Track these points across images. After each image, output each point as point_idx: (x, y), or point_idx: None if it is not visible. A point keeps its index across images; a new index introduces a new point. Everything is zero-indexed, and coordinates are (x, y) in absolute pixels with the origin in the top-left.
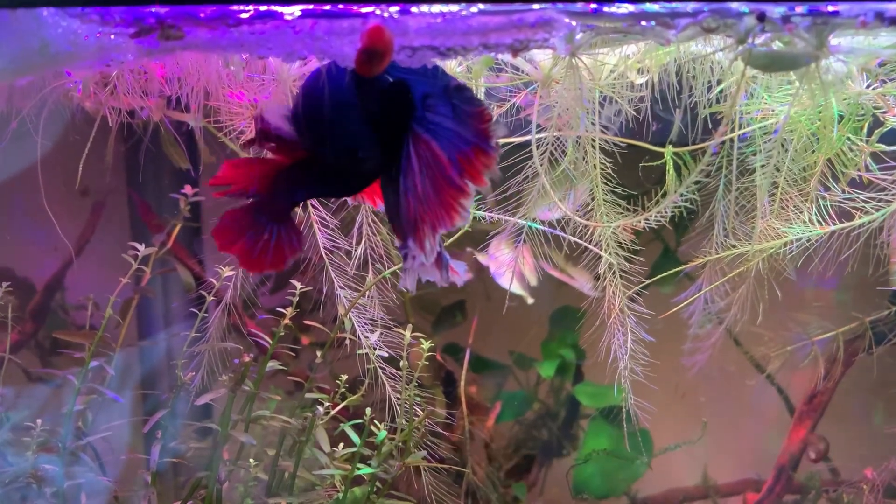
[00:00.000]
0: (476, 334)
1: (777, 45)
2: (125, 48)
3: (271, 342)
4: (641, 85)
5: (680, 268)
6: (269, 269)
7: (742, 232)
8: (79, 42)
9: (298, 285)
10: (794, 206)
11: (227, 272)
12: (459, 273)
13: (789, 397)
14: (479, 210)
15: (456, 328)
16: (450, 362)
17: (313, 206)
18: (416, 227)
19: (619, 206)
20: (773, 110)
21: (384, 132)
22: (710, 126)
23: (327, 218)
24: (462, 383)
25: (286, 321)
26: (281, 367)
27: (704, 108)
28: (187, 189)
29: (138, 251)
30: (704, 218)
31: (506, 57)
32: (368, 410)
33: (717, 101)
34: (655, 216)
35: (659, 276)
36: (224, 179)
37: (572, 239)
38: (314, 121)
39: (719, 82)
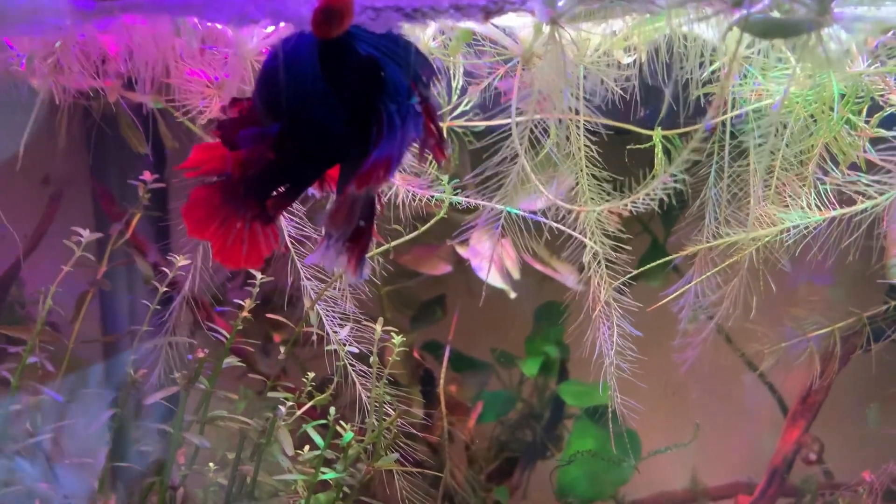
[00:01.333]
0: (457, 331)
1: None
2: (62, 11)
3: (229, 338)
4: (629, 65)
5: (668, 258)
6: (246, 265)
7: (735, 221)
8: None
9: (259, 276)
10: (791, 192)
11: (181, 261)
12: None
13: (782, 396)
14: (456, 195)
15: (435, 324)
16: (429, 360)
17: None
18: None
19: (605, 191)
20: (767, 91)
21: (353, 111)
22: (704, 107)
23: (293, 204)
24: (441, 382)
25: (244, 314)
26: (240, 364)
27: (696, 88)
28: (146, 175)
29: (82, 238)
30: (695, 207)
31: (484, 29)
32: (333, 410)
33: (709, 83)
34: (644, 200)
35: (646, 268)
36: (194, 164)
37: (555, 226)
38: (277, 100)
39: (711, 62)
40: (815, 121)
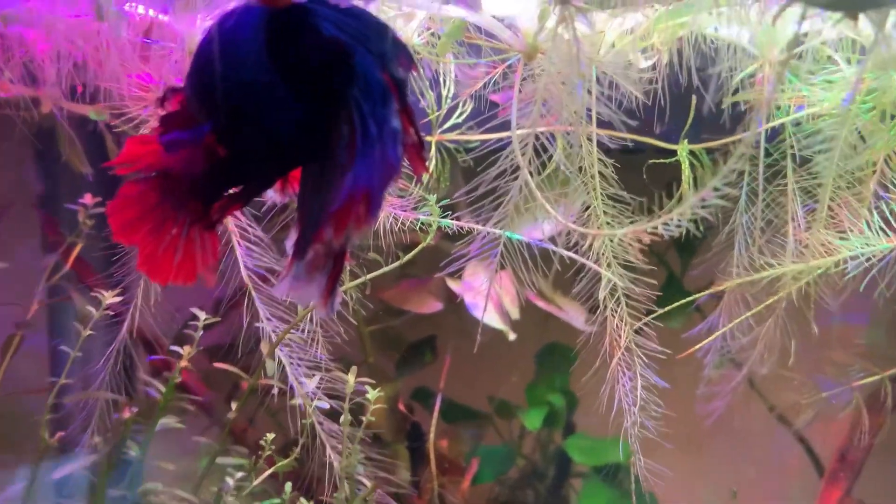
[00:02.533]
0: (449, 377)
1: None
2: None
3: (164, 391)
4: (647, 69)
5: (695, 296)
6: (176, 280)
7: (771, 251)
8: None
9: (202, 315)
10: (848, 215)
11: (109, 297)
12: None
13: (818, 453)
14: (445, 217)
15: (425, 369)
16: (417, 410)
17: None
18: (325, 217)
19: (623, 214)
20: (810, 100)
21: (311, 108)
22: (736, 118)
23: (250, 230)
24: (431, 437)
25: (184, 363)
26: (178, 425)
27: (726, 96)
28: (87, 199)
29: None
30: (722, 235)
31: (479, 19)
32: (288, 487)
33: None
34: (667, 225)
35: (670, 308)
36: (128, 158)
37: (566, 255)
38: (211, 92)
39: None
40: (864, 133)
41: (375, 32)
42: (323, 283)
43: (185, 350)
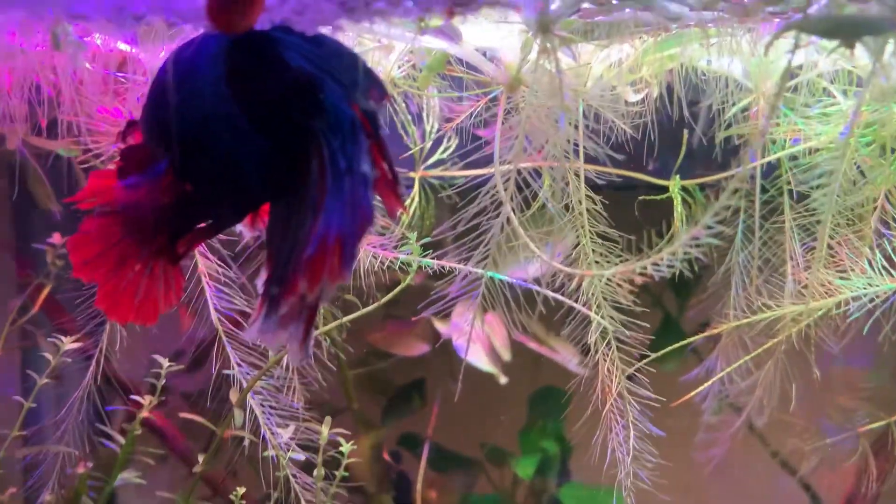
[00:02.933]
0: (438, 422)
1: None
2: None
3: (124, 445)
4: (637, 102)
5: (692, 338)
6: (137, 319)
7: (769, 292)
8: None
9: (165, 362)
10: (848, 253)
11: (68, 343)
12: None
13: (823, 502)
14: (427, 256)
15: (413, 415)
16: (406, 458)
17: (202, 254)
18: (298, 264)
19: (613, 253)
20: (805, 133)
21: (276, 144)
22: (728, 153)
23: (219, 269)
24: (419, 486)
25: (144, 414)
26: (138, 480)
27: (718, 131)
28: (55, 238)
29: None
30: (719, 275)
31: (461, 52)
32: None
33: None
34: (662, 264)
35: (665, 351)
36: (90, 193)
37: (551, 296)
38: (166, 128)
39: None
40: (863, 168)
41: (345, 62)
42: (296, 329)
43: (147, 399)
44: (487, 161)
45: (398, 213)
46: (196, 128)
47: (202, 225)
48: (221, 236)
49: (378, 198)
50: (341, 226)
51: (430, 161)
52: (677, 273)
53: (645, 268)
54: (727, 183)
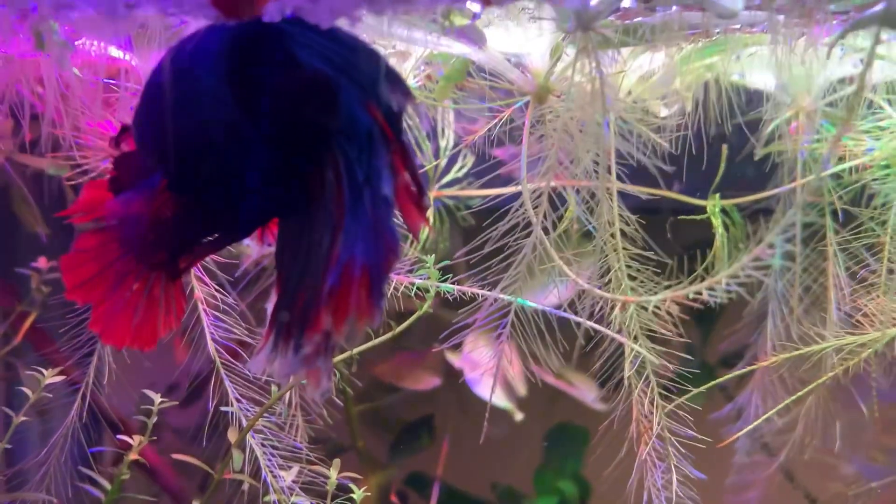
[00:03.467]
0: (448, 461)
1: None
2: None
3: (110, 490)
4: (667, 117)
5: (736, 372)
6: (134, 344)
7: (810, 322)
8: None
9: (156, 398)
10: None
11: (50, 376)
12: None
13: None
14: (444, 281)
15: (422, 453)
16: (413, 499)
17: (198, 279)
18: (320, 295)
19: (645, 280)
20: (852, 151)
21: (285, 143)
22: (766, 172)
23: (217, 296)
24: None
25: (133, 456)
26: None
27: (758, 148)
28: (41, 262)
29: None
30: (755, 304)
31: (485, 58)
32: None
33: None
34: (726, 284)
35: (699, 390)
36: (85, 206)
37: (588, 325)
38: (161, 136)
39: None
40: None
41: (363, 60)
42: (305, 356)
43: (136, 440)
44: (503, 182)
45: (420, 229)
46: (193, 136)
47: (206, 239)
48: (220, 259)
49: (397, 212)
50: (367, 254)
51: (445, 180)
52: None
53: (699, 293)
54: (773, 203)
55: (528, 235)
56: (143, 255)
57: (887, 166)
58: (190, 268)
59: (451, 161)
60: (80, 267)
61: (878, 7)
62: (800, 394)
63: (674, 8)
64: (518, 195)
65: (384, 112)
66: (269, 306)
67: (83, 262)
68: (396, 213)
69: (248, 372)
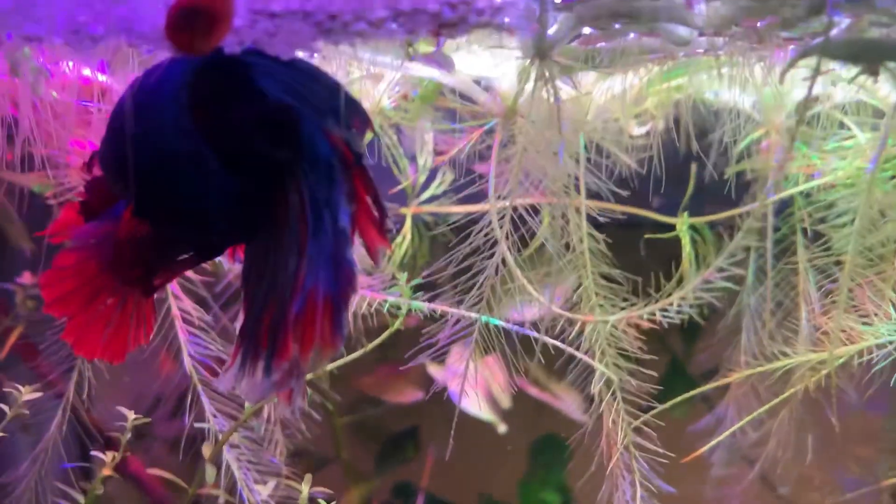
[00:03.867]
0: (433, 472)
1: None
2: None
3: None
4: (641, 136)
5: (703, 387)
6: (103, 356)
7: (782, 336)
8: None
9: (130, 415)
10: (870, 296)
11: (27, 393)
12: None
13: None
14: (417, 298)
15: (407, 464)
16: None
17: (175, 295)
18: (286, 322)
19: (616, 296)
20: (818, 168)
21: (248, 171)
22: (738, 189)
23: (194, 312)
24: None
25: (106, 472)
26: None
27: (728, 166)
28: (25, 277)
29: None
30: (729, 317)
31: (454, 81)
32: None
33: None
34: (676, 306)
35: (675, 401)
36: (63, 226)
37: (550, 342)
38: (124, 166)
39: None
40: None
41: (323, 88)
42: (275, 374)
43: (109, 456)
44: (484, 196)
45: (381, 253)
46: (156, 166)
47: (180, 257)
48: (200, 276)
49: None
50: (327, 284)
51: (424, 196)
52: (685, 316)
53: (653, 313)
54: (740, 220)
55: (492, 256)
56: (118, 271)
57: (851, 185)
58: (164, 285)
59: (430, 178)
60: (58, 283)
61: (819, 40)
62: (769, 405)
63: (631, 35)
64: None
65: (344, 138)
66: (237, 325)
67: (62, 278)
68: (357, 239)
69: (220, 389)
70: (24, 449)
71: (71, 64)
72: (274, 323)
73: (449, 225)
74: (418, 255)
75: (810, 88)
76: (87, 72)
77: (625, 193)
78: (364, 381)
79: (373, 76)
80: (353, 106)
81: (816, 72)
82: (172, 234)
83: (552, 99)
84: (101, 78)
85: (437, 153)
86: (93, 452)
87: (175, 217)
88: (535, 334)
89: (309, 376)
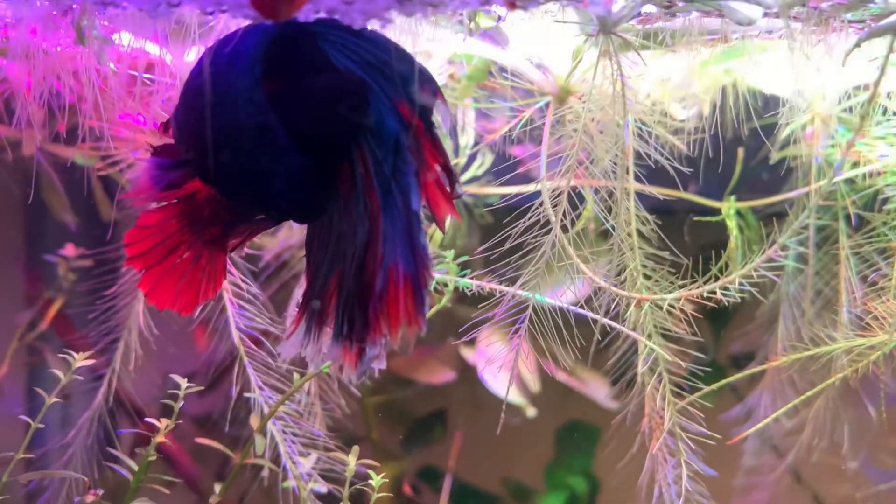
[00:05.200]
0: (460, 455)
1: None
2: None
3: (137, 471)
4: (685, 120)
5: (745, 372)
6: (175, 307)
7: (821, 324)
8: None
9: (183, 382)
10: None
11: (81, 359)
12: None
13: None
14: (463, 277)
15: (434, 446)
16: (424, 492)
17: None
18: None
19: (659, 280)
20: (866, 157)
21: (315, 143)
22: (782, 176)
23: (242, 285)
24: None
25: (160, 438)
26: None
27: (773, 152)
28: (68, 249)
29: None
30: (767, 305)
31: (507, 58)
32: None
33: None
34: (738, 284)
35: (713, 387)
36: (146, 189)
37: (603, 321)
38: (196, 129)
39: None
40: None
41: (395, 59)
42: (340, 340)
43: (163, 423)
44: (521, 180)
45: (446, 220)
46: (225, 138)
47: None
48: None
49: (424, 203)
50: (407, 264)
51: (465, 177)
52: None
53: (713, 292)
54: (786, 206)
55: (547, 233)
56: (197, 229)
57: None
58: (243, 244)
59: (471, 159)
60: (141, 240)
61: (893, 17)
62: (809, 394)
63: (693, 14)
64: (536, 194)
65: (415, 107)
66: (298, 292)
67: (146, 236)
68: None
69: (272, 359)
70: (56, 420)
71: (129, 36)
72: (348, 295)
73: (488, 207)
74: (458, 236)
75: (883, 68)
76: (139, 45)
77: (687, 171)
78: (395, 362)
79: (423, 53)
80: (424, 75)
81: (890, 49)
82: (236, 203)
83: (616, 74)
84: (153, 51)
85: (481, 134)
86: (146, 419)
87: (239, 187)
88: (591, 314)
89: None
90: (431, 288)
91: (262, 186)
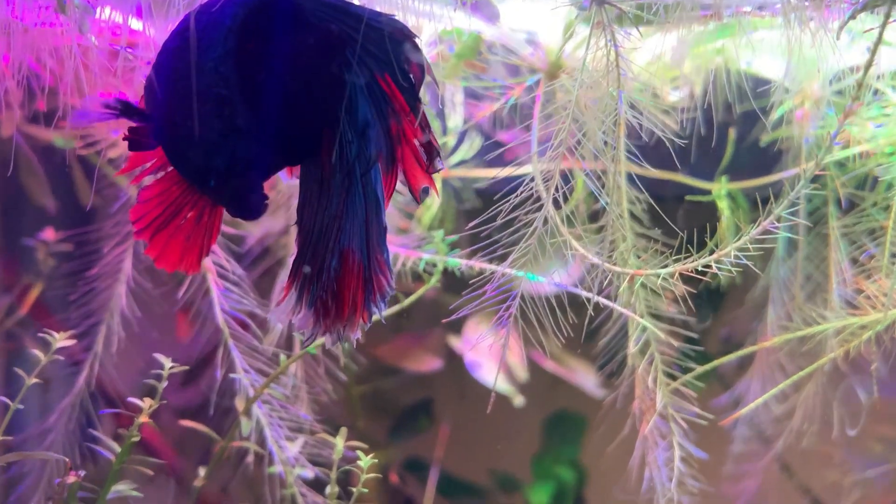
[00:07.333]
0: (447, 446)
1: None
2: None
3: (118, 454)
4: (676, 101)
5: (736, 354)
6: (180, 266)
7: (812, 307)
8: None
9: (167, 363)
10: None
11: (61, 339)
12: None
13: None
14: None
15: (420, 436)
16: (410, 483)
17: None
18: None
19: (650, 260)
20: (855, 138)
21: (303, 103)
22: (772, 157)
23: (227, 266)
24: None
25: (143, 419)
26: (134, 492)
27: (763, 134)
28: (48, 233)
29: None
30: (755, 290)
31: (497, 33)
32: None
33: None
34: (733, 257)
35: (704, 368)
36: (137, 164)
37: (597, 299)
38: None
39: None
40: None
41: (378, 36)
42: (328, 306)
43: (146, 403)
44: (506, 163)
45: (421, 190)
46: (185, 101)
47: None
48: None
49: (402, 177)
50: (360, 252)
51: (454, 160)
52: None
53: (709, 265)
54: (773, 188)
55: (538, 210)
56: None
57: (892, 153)
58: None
59: (460, 140)
60: (146, 214)
61: None
62: (799, 374)
63: None
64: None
65: (398, 84)
66: (290, 259)
67: (148, 209)
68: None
69: (275, 320)
70: (35, 406)
71: (108, 10)
72: (319, 269)
73: (475, 190)
74: (445, 219)
75: (878, 40)
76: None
77: (678, 151)
78: (382, 349)
79: (413, 28)
80: (411, 51)
81: (886, 19)
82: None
83: (609, 45)
84: (134, 26)
85: (469, 115)
86: (129, 399)
87: (182, 153)
88: (585, 293)
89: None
90: (391, 281)
91: (203, 158)
